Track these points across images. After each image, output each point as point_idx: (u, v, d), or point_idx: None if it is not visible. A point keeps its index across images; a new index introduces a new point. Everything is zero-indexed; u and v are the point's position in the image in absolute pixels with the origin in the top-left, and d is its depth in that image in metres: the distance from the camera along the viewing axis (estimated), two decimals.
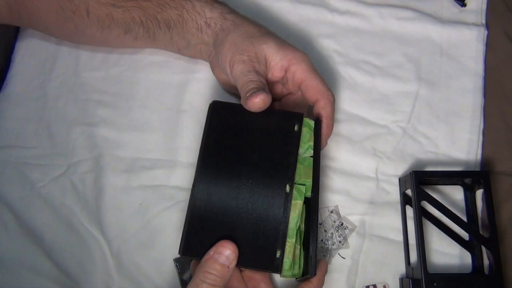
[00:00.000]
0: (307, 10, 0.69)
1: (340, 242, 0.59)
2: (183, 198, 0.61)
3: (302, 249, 0.51)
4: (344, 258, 0.58)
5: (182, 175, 0.62)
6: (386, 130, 0.64)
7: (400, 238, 0.59)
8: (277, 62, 0.56)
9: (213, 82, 0.65)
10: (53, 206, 0.60)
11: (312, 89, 0.56)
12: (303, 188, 0.52)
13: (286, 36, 0.67)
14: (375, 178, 0.62)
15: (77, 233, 0.59)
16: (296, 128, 0.53)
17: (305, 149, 0.54)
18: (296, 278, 0.51)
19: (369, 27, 0.69)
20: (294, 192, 0.51)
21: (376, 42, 0.68)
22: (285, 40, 0.59)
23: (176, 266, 0.58)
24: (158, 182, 0.62)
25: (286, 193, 0.51)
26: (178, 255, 0.58)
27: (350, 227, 0.59)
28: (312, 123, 0.54)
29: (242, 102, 0.53)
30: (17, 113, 0.65)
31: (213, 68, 0.63)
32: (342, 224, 0.59)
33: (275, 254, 0.49)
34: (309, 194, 0.52)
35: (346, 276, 0.58)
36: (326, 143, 0.58)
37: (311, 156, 0.54)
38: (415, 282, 0.54)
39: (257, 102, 0.52)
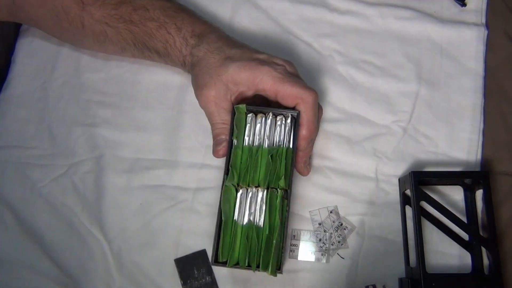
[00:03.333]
0: (307, 10, 0.69)
1: (339, 242, 0.59)
2: (184, 198, 0.61)
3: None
4: (343, 258, 0.58)
5: (183, 175, 0.62)
6: (386, 130, 0.64)
7: (400, 238, 0.59)
8: (243, 84, 0.56)
9: None
10: (53, 206, 0.61)
11: (287, 97, 0.55)
12: (232, 177, 0.54)
13: (286, 36, 0.68)
14: (374, 179, 0.62)
15: (77, 233, 0.60)
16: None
17: (235, 137, 0.56)
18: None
19: (369, 27, 0.69)
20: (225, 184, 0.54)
21: (376, 42, 0.68)
22: (248, 62, 0.57)
23: (177, 266, 0.58)
24: (159, 182, 0.62)
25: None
26: (178, 256, 0.58)
27: (349, 227, 0.59)
28: (242, 108, 0.56)
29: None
30: (18, 114, 0.65)
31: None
32: (341, 224, 0.59)
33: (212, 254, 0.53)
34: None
35: (346, 276, 0.58)
36: (306, 167, 0.59)
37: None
38: (414, 282, 0.54)
39: (220, 154, 0.57)
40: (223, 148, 0.56)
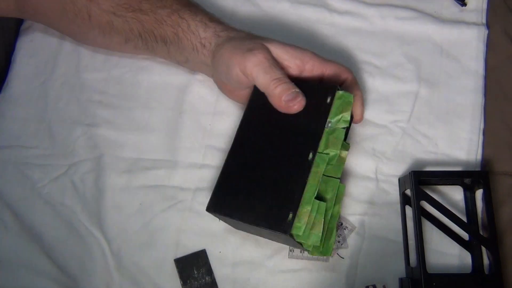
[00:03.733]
0: (307, 10, 0.69)
1: (339, 242, 0.59)
2: (184, 198, 0.61)
3: (330, 226, 0.54)
4: (343, 258, 0.58)
5: (182, 175, 0.62)
6: (386, 130, 0.64)
7: (400, 238, 0.59)
8: (290, 61, 0.56)
9: (212, 83, 0.65)
10: (53, 206, 0.61)
11: (338, 74, 0.57)
12: (326, 157, 0.53)
13: (286, 36, 0.68)
14: (374, 179, 0.62)
15: (77, 233, 0.60)
16: (328, 100, 0.55)
17: (337, 121, 0.55)
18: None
19: (369, 27, 0.69)
20: (316, 160, 0.53)
21: (376, 42, 0.68)
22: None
23: (176, 266, 0.58)
24: (159, 182, 0.62)
25: (308, 160, 0.52)
26: (178, 256, 0.58)
27: (349, 227, 0.59)
28: (346, 95, 0.55)
29: (274, 104, 0.54)
30: (18, 113, 0.65)
31: (220, 87, 0.63)
32: (341, 224, 0.59)
33: (287, 216, 0.50)
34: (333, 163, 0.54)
35: (346, 276, 0.57)
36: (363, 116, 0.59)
37: (344, 127, 0.55)
38: (415, 282, 0.54)
39: (297, 109, 0.54)
40: (301, 100, 0.53)
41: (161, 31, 0.59)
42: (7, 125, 0.65)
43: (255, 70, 0.54)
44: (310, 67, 0.56)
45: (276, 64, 0.55)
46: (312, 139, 0.54)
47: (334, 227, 0.55)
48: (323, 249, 0.54)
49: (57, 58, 0.68)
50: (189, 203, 0.61)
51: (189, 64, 0.63)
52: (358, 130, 0.64)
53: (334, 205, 0.54)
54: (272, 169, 0.53)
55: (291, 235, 0.51)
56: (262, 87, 0.54)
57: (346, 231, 0.59)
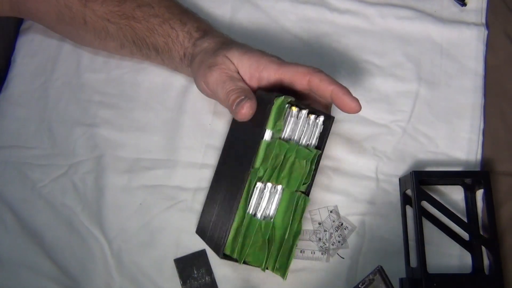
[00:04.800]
0: (307, 9, 0.69)
1: (339, 242, 0.59)
2: (184, 198, 0.61)
3: (286, 245, 0.54)
4: (343, 258, 0.58)
5: (182, 175, 0.62)
6: (386, 130, 0.64)
7: (400, 238, 0.59)
8: (246, 70, 0.55)
9: None
10: (53, 206, 0.61)
11: (297, 78, 0.54)
12: (256, 172, 0.52)
13: (286, 36, 0.68)
14: (375, 178, 0.62)
15: (77, 233, 0.60)
16: (267, 108, 0.52)
17: (277, 130, 0.53)
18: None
19: (369, 27, 0.69)
20: (251, 174, 0.52)
21: (376, 41, 0.68)
22: (254, 49, 0.57)
23: (176, 266, 0.58)
24: (159, 182, 0.62)
25: (244, 176, 0.52)
26: (178, 256, 0.58)
27: (349, 227, 0.59)
28: (280, 100, 0.52)
29: (231, 114, 0.54)
30: (18, 113, 0.65)
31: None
32: (341, 224, 0.59)
33: (222, 246, 0.52)
34: (262, 175, 0.53)
35: (346, 276, 0.57)
36: (356, 100, 0.54)
37: (279, 137, 0.53)
38: (415, 282, 0.54)
39: (245, 113, 0.52)
40: (246, 106, 0.51)
41: (153, 40, 0.60)
42: (7, 125, 0.65)
43: (214, 87, 0.55)
44: (266, 75, 0.55)
45: (234, 76, 0.55)
46: (251, 152, 0.52)
47: (291, 246, 0.54)
48: (278, 268, 0.53)
49: (57, 58, 0.68)
50: (189, 203, 0.61)
51: (181, 72, 0.64)
52: (358, 129, 0.64)
53: (292, 221, 0.53)
54: (228, 188, 0.55)
55: (227, 255, 0.52)
56: (222, 102, 0.55)
57: (346, 231, 0.59)
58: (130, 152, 0.63)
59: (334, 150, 0.63)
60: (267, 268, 0.54)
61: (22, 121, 0.65)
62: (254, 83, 0.56)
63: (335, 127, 0.63)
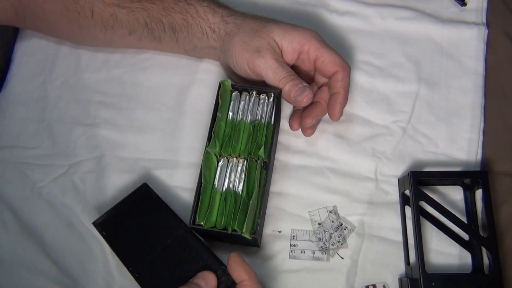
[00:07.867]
0: (307, 10, 0.69)
1: (339, 242, 0.59)
2: (184, 198, 0.61)
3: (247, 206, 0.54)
4: (343, 258, 0.58)
5: (183, 175, 0.62)
6: (386, 130, 0.64)
7: (400, 238, 0.59)
8: (288, 46, 0.58)
9: (213, 83, 0.65)
10: (53, 206, 0.61)
11: (330, 63, 0.58)
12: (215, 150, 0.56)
13: None
14: (374, 179, 0.62)
15: (77, 233, 0.60)
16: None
17: (221, 111, 0.57)
18: None
19: (369, 27, 0.69)
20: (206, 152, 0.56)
21: (376, 42, 0.68)
22: (288, 23, 0.60)
23: None
24: (159, 182, 0.62)
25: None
26: None
27: (349, 227, 0.59)
28: (227, 82, 0.58)
29: (285, 100, 0.58)
30: (18, 113, 0.65)
31: (225, 68, 0.65)
32: (341, 224, 0.59)
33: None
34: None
35: (346, 276, 0.58)
36: (342, 113, 0.60)
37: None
38: (414, 282, 0.54)
39: (307, 101, 0.57)
40: (308, 94, 0.56)
41: (170, 18, 0.60)
42: (7, 125, 0.65)
43: (264, 71, 0.57)
44: (307, 49, 0.58)
45: (283, 62, 0.58)
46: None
47: (255, 208, 0.54)
48: (245, 231, 0.53)
49: (56, 57, 0.68)
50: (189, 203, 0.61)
51: (196, 52, 0.64)
52: (358, 130, 0.64)
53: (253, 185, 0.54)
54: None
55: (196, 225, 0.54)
56: (272, 84, 0.58)
57: (346, 231, 0.59)
58: (130, 152, 0.63)
59: (334, 151, 0.63)
60: (235, 231, 0.53)
61: (22, 121, 0.65)
62: (293, 56, 0.59)
63: (334, 128, 0.64)
